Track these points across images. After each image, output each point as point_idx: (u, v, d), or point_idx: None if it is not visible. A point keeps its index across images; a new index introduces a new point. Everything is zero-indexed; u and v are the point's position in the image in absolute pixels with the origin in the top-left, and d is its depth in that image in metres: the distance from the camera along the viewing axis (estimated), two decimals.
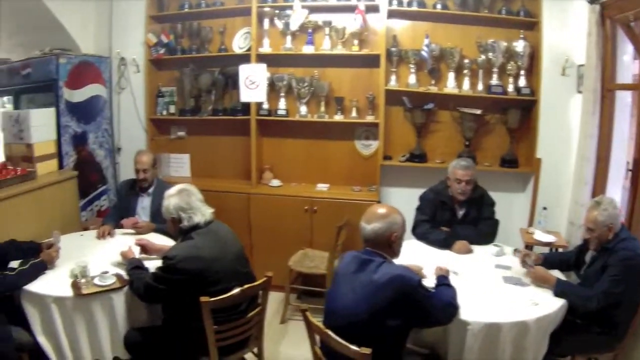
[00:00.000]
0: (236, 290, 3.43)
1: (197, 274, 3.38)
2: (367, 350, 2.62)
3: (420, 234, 4.51)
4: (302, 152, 6.27)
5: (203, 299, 3.26)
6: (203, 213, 3.64)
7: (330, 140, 6.11)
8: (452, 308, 3.07)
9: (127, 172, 6.51)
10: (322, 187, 6.07)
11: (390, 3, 5.52)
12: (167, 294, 3.47)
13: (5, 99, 6.99)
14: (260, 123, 6.14)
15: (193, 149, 6.70)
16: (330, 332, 2.85)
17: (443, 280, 3.39)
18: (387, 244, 3.09)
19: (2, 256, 4.15)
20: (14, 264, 4.01)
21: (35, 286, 3.73)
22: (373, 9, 5.52)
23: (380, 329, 2.86)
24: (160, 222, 4.91)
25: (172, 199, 3.65)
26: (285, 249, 5.53)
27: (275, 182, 6.17)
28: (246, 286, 3.50)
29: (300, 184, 6.24)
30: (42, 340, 3.70)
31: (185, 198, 3.63)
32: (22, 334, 3.73)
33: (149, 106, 6.62)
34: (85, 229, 5.47)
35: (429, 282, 3.44)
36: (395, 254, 3.19)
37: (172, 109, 6.54)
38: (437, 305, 3.01)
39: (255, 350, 3.91)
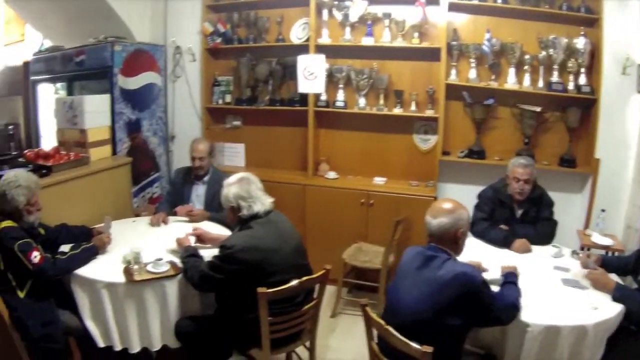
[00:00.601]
0: (294, 282, 3.50)
1: (254, 265, 3.45)
2: (428, 349, 2.63)
3: (478, 232, 4.53)
4: (359, 145, 6.38)
5: (260, 289, 3.33)
6: (263, 202, 3.71)
7: (388, 133, 6.19)
8: (514, 309, 3.10)
9: (180, 160, 6.82)
10: (379, 180, 6.14)
11: None
12: (223, 283, 3.54)
13: (58, 85, 7.29)
14: (318, 114, 6.29)
15: (248, 138, 6.91)
16: (391, 329, 2.87)
17: (511, 278, 3.44)
18: (453, 239, 3.14)
19: (53, 240, 4.32)
20: (65, 248, 4.18)
21: (86, 271, 3.88)
22: (433, 1, 5.59)
23: (442, 327, 2.89)
24: (214, 210, 5.19)
25: (232, 187, 3.73)
26: (339, 242, 5.66)
27: (332, 175, 6.30)
28: (304, 278, 3.57)
29: (357, 177, 6.34)
30: (90, 324, 3.84)
31: (245, 186, 3.72)
32: (70, 318, 3.92)
33: (204, 95, 6.86)
34: (137, 215, 5.71)
35: (490, 275, 3.57)
36: (460, 250, 3.24)
37: (228, 98, 6.78)
38: (499, 305, 3.04)
39: (308, 343, 3.97)
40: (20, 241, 3.75)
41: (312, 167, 6.37)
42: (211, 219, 5.10)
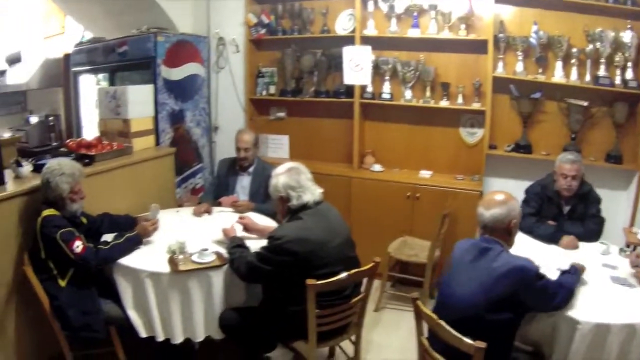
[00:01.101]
0: (343, 275, 3.53)
1: (304, 257, 3.47)
2: (482, 344, 2.66)
3: (526, 227, 4.52)
4: (404, 138, 6.49)
5: (309, 281, 3.37)
6: (313, 192, 3.75)
7: (434, 126, 6.29)
8: (569, 294, 3.20)
9: (223, 152, 7.02)
10: (425, 174, 6.23)
11: None
12: (270, 274, 3.57)
13: (100, 76, 7.53)
14: (364, 106, 6.39)
15: (292, 130, 7.10)
16: (443, 324, 2.90)
17: (573, 270, 3.49)
18: (506, 231, 3.21)
19: (96, 229, 4.44)
20: (108, 237, 4.27)
21: (130, 260, 3.98)
22: None
23: (495, 322, 2.96)
24: (259, 202, 5.37)
25: (281, 177, 3.76)
26: (384, 236, 5.77)
27: (377, 167, 6.40)
28: (353, 271, 3.60)
29: (402, 170, 6.45)
30: (133, 314, 3.94)
31: (294, 176, 3.74)
32: (112, 308, 4.02)
33: (248, 86, 7.08)
34: (180, 206, 5.83)
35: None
36: (512, 242, 3.31)
37: (272, 89, 6.99)
38: (555, 291, 3.13)
39: (353, 337, 4.01)
40: (63, 230, 3.86)
41: (358, 160, 6.49)
42: (256, 210, 5.21)
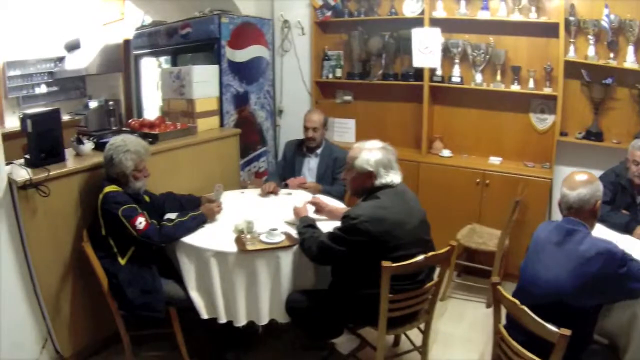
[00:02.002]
0: (420, 257, 3.50)
1: (379, 237, 3.46)
2: (566, 332, 2.65)
3: (601, 215, 4.23)
4: (474, 123, 6.58)
5: (385, 263, 3.34)
6: (398, 174, 3.78)
7: (504, 111, 6.35)
8: None
9: (288, 136, 7.25)
10: (494, 160, 6.33)
11: None
12: (343, 255, 3.58)
13: (162, 59, 7.91)
14: (432, 90, 6.53)
15: (359, 114, 7.34)
16: (527, 310, 2.90)
17: None
18: (591, 212, 3.20)
19: (158, 207, 4.61)
20: (171, 216, 4.44)
21: (194, 239, 4.07)
22: None
23: (580, 307, 2.99)
24: (326, 184, 5.55)
25: (374, 152, 3.74)
26: (452, 223, 5.88)
27: (446, 153, 6.54)
28: (430, 254, 3.57)
29: (471, 156, 6.56)
30: (195, 295, 4.04)
31: (387, 155, 3.77)
32: (173, 288, 4.14)
33: (314, 69, 7.39)
34: (244, 187, 6.04)
35: None
36: (594, 225, 3.28)
37: (339, 72, 7.23)
38: (636, 277, 3.02)
39: (422, 326, 4.00)
40: (125, 206, 3.99)
41: (426, 145, 6.63)
42: (324, 192, 5.34)
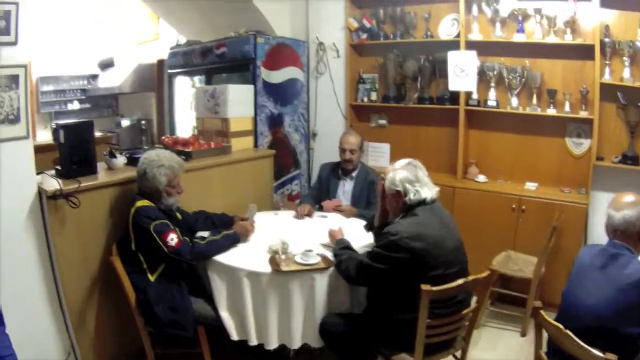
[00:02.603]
0: (460, 281, 3.46)
1: (420, 254, 3.41)
2: (612, 357, 2.58)
3: None
4: (509, 147, 6.59)
5: (424, 287, 3.30)
6: (430, 188, 3.76)
7: (540, 136, 6.35)
8: None
9: (321, 159, 7.28)
10: (530, 185, 6.31)
11: None
12: (383, 275, 3.55)
13: (196, 78, 8.10)
14: (468, 114, 6.58)
15: (393, 138, 7.37)
16: (571, 334, 2.81)
17: None
18: (638, 235, 3.19)
19: (191, 225, 4.66)
20: (204, 234, 4.46)
21: (226, 257, 4.09)
22: None
23: (623, 334, 2.97)
24: (362, 207, 5.58)
25: (398, 171, 3.78)
26: (487, 249, 5.74)
27: (481, 178, 6.57)
28: (470, 278, 3.54)
29: (507, 181, 6.59)
30: (225, 315, 4.06)
31: (412, 170, 3.77)
32: (203, 307, 4.17)
33: (349, 92, 7.54)
34: (277, 209, 6.11)
35: None
36: None
37: (374, 96, 7.35)
38: None
39: (458, 353, 3.96)
40: (157, 222, 4.04)
41: (461, 170, 6.68)
42: (359, 215, 5.34)
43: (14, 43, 4.11)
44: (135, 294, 4.09)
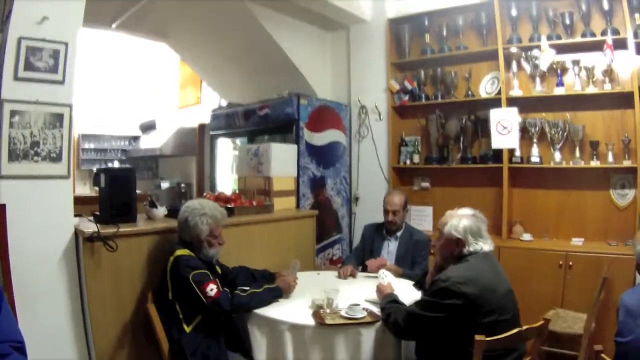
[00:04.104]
0: (514, 330, 3.32)
1: (472, 299, 3.34)
2: None
3: None
4: (554, 204, 6.65)
5: (478, 337, 3.15)
6: (489, 244, 3.73)
7: (584, 190, 6.41)
8: None
9: (363, 223, 6.88)
10: (577, 241, 6.24)
11: (636, 35, 5.80)
12: (433, 325, 3.48)
13: (238, 140, 8.34)
14: (511, 172, 6.62)
15: (436, 201, 7.44)
16: None
17: None
18: None
19: (231, 280, 4.61)
20: (245, 288, 4.31)
21: (268, 311, 4.05)
22: (621, 45, 5.86)
23: None
24: (406, 267, 5.48)
25: (464, 219, 3.74)
26: (534, 308, 5.22)
27: (527, 236, 6.51)
28: (525, 327, 3.41)
29: (552, 238, 6.54)
30: None
31: (478, 223, 3.75)
32: None
33: (391, 155, 7.70)
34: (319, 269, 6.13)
35: None
36: None
37: (416, 158, 7.53)
38: None
39: None
40: (197, 271, 4.00)
41: (506, 230, 6.65)
42: (405, 275, 5.25)
43: (61, 82, 4.35)
44: (169, 343, 4.03)
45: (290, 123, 7.02)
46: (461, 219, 3.76)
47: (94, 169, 10.87)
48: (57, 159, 4.31)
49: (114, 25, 8.11)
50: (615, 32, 6.01)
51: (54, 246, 4.31)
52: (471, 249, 3.67)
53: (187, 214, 4.30)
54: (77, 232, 4.35)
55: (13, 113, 4.11)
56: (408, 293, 4.26)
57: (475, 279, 3.43)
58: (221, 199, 5.77)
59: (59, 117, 4.32)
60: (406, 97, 7.45)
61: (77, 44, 4.45)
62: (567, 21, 6.39)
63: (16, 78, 4.14)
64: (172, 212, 4.95)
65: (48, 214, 4.27)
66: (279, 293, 4.36)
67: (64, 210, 4.39)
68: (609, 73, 6.06)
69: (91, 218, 4.60)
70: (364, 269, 5.55)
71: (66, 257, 4.34)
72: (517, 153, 6.66)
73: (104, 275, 4.31)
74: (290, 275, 4.66)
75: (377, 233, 5.97)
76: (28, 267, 4.13)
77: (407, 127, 7.71)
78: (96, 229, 4.19)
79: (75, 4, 4.46)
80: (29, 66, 4.19)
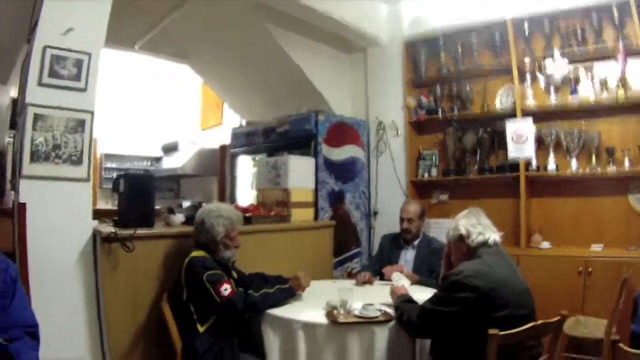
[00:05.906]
0: (529, 325, 3.26)
1: (485, 293, 3.31)
2: None
3: None
4: (572, 212, 6.65)
5: (492, 331, 3.09)
6: (494, 231, 3.74)
7: (602, 196, 6.41)
8: None
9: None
10: (596, 247, 6.20)
11: None
12: (446, 320, 3.44)
13: (257, 158, 8.41)
14: (528, 182, 6.69)
15: (455, 213, 6.76)
16: None
17: None
18: None
19: (247, 286, 4.51)
20: None
21: (281, 311, 4.05)
22: (633, 53, 5.98)
23: None
24: (423, 276, 5.46)
25: (460, 219, 3.83)
26: (554, 316, 5.27)
27: (545, 245, 6.51)
28: (540, 322, 3.34)
29: (571, 246, 6.48)
30: None
31: (474, 214, 3.83)
32: None
33: (410, 169, 7.80)
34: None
35: None
36: None
37: (434, 172, 7.63)
38: None
39: None
40: (211, 271, 4.02)
41: (525, 239, 6.66)
42: (420, 282, 5.27)
43: (84, 89, 4.56)
44: (182, 343, 4.05)
45: (309, 139, 7.14)
46: (457, 220, 3.86)
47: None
48: (78, 162, 4.49)
49: (136, 47, 8.33)
50: (627, 41, 6.05)
51: (72, 246, 4.44)
52: (477, 239, 3.70)
53: (204, 216, 4.36)
54: (95, 233, 4.48)
55: (36, 116, 4.31)
56: (423, 295, 4.06)
57: (488, 273, 3.42)
58: (239, 208, 5.65)
59: (81, 123, 4.53)
60: (423, 112, 7.59)
61: (100, 56, 4.66)
62: (579, 34, 6.47)
63: (40, 84, 4.35)
64: (190, 220, 4.98)
65: (67, 215, 4.41)
66: (292, 293, 4.38)
67: (82, 212, 4.53)
68: (622, 81, 6.08)
69: (110, 222, 4.73)
70: (382, 278, 5.56)
71: (84, 257, 4.47)
72: (534, 162, 6.69)
73: (121, 275, 4.41)
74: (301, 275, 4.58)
75: (394, 242, 6.03)
76: (46, 265, 4.26)
77: (424, 142, 7.85)
78: (114, 230, 4.30)
79: (99, 17, 4.68)
80: (53, 73, 4.40)
